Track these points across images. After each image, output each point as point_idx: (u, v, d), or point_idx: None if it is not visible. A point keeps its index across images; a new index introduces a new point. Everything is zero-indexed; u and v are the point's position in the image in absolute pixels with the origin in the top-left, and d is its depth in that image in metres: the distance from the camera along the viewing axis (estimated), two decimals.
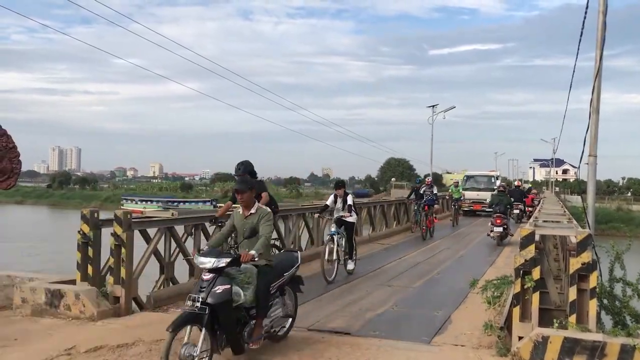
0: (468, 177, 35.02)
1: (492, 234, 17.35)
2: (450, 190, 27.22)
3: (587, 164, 7.56)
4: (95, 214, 7.69)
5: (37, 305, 7.22)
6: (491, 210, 18.45)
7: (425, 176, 33.24)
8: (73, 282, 7.63)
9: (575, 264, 5.64)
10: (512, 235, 17.62)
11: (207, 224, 9.06)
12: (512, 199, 20.87)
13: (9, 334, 6.35)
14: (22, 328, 6.66)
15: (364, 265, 12.10)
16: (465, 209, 30.53)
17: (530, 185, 38.92)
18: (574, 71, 10.75)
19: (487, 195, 29.64)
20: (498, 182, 31.18)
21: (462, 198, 26.45)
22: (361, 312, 7.88)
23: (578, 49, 9.33)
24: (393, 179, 74.96)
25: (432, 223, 19.04)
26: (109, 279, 7.62)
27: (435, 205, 19.84)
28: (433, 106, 38.34)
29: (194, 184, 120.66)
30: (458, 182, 27.98)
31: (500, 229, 17.09)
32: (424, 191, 19.07)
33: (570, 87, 12.11)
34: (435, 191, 19.43)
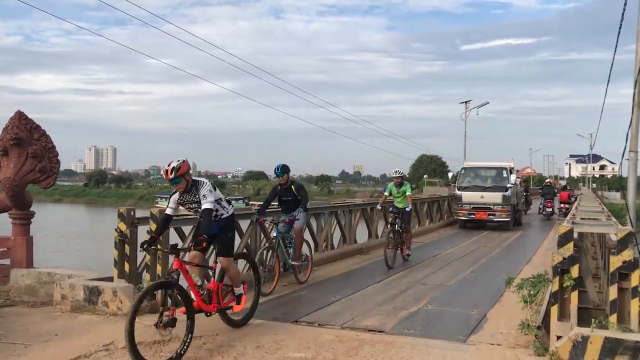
0: (467, 171, 22.32)
1: (544, 213, 27.20)
2: (388, 193, 12.83)
3: (628, 159, 7.38)
4: (132, 212, 7.81)
5: (76, 302, 7.37)
6: (503, 220, 20.78)
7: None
8: (110, 279, 7.77)
9: (615, 262, 5.50)
10: (555, 213, 27.14)
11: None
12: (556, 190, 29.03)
13: (50, 330, 6.50)
14: (62, 324, 6.81)
15: (397, 264, 12.02)
16: (463, 218, 21.32)
17: (564, 184, 37.66)
18: (612, 64, 10.50)
19: (497, 198, 20.58)
20: (513, 177, 21.27)
21: (409, 207, 12.42)
22: (395, 311, 7.84)
23: (617, 42, 9.11)
24: (425, 176, 74.37)
25: (267, 279, 8.61)
26: (146, 275, 7.74)
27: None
28: (466, 102, 37.93)
29: (227, 182, 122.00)
30: (402, 177, 12.73)
31: (550, 210, 27.01)
32: (279, 195, 9.52)
33: (609, 80, 11.82)
34: (292, 196, 9.33)
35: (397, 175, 12.56)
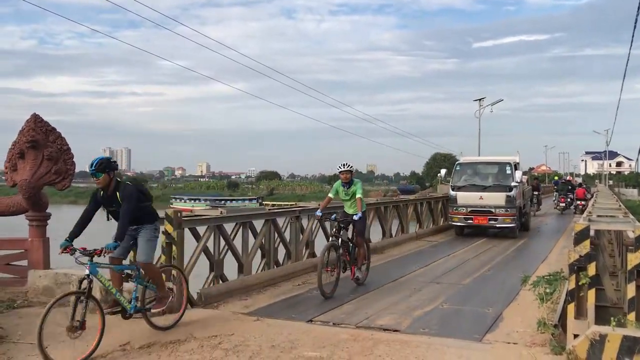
0: (463, 167, 18.92)
1: (558, 208, 28.99)
2: (334, 194, 9.72)
3: None
4: None
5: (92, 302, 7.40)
6: (507, 225, 17.52)
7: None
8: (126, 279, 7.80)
9: (633, 259, 5.44)
10: (569, 208, 28.53)
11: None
12: (570, 187, 29.92)
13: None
14: None
15: (411, 262, 12.01)
16: (458, 223, 17.88)
17: (580, 181, 37.92)
18: (627, 60, 10.39)
19: (499, 199, 17.24)
20: (518, 174, 17.72)
21: (359, 215, 9.09)
22: (410, 310, 7.81)
23: (632, 37, 9.00)
24: (439, 175, 74.03)
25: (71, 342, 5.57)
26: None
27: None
28: (480, 99, 37.71)
29: (240, 182, 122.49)
30: (351, 173, 9.46)
31: (564, 205, 28.69)
32: (103, 205, 6.41)
33: (624, 76, 11.70)
34: (118, 205, 6.20)
35: (345, 169, 9.31)
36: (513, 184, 17.38)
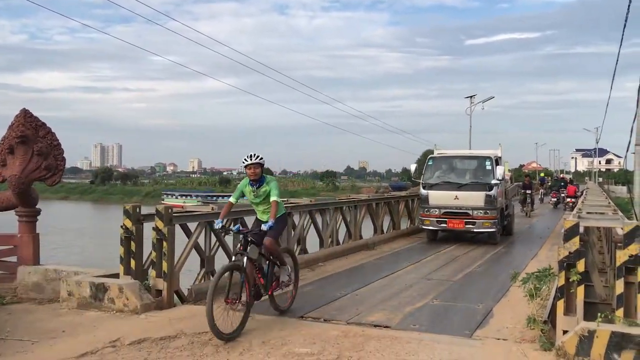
0: (436, 162, 16.12)
1: (550, 202, 32.91)
2: (236, 198, 7.12)
3: (634, 153, 7.35)
4: (138, 209, 7.82)
5: (82, 299, 7.39)
6: (486, 230, 14.89)
7: None
8: (116, 275, 7.79)
9: (622, 256, 5.47)
10: (561, 203, 31.22)
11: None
12: (563, 184, 33.29)
13: (57, 327, 6.53)
14: (69, 320, 6.83)
15: (402, 259, 12.03)
16: (430, 227, 15.37)
17: (569, 178, 39.32)
18: (617, 58, 10.45)
19: (477, 199, 14.78)
20: (500, 171, 15.11)
21: (271, 223, 6.55)
22: (400, 306, 7.83)
23: (622, 36, 9.06)
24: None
25: None
26: (152, 272, 7.75)
27: None
28: (471, 97, 37.83)
29: (232, 178, 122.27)
30: (262, 166, 6.92)
31: (555, 199, 32.37)
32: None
33: (614, 74, 11.76)
34: None
35: (252, 162, 6.80)
36: (494, 181, 14.91)
